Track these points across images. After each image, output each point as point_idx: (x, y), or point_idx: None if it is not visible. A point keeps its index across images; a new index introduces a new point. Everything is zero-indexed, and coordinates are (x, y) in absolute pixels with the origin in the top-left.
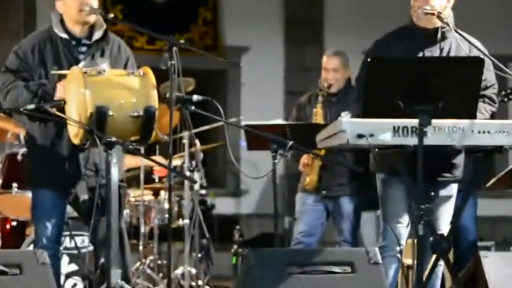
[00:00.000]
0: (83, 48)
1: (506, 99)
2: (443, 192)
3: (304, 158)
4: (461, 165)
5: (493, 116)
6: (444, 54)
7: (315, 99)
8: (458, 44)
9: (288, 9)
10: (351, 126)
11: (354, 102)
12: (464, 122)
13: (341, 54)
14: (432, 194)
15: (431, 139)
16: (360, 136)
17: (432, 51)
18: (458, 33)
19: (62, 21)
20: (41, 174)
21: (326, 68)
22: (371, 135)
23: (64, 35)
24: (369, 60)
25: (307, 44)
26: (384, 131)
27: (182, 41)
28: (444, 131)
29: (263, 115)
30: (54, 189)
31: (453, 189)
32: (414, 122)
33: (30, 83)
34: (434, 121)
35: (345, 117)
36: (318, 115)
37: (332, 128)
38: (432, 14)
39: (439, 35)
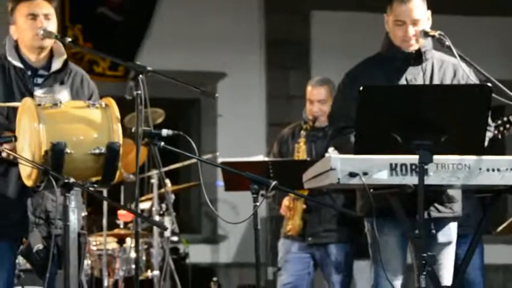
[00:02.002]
0: (40, 80)
1: (503, 130)
2: (441, 238)
3: (286, 200)
4: (459, 200)
5: (492, 143)
6: (427, 76)
7: (299, 132)
8: (441, 64)
9: (269, 28)
10: (342, 164)
11: (332, 137)
12: (470, 159)
13: (328, 82)
14: (434, 232)
15: (433, 178)
16: (352, 175)
17: (415, 74)
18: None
19: (16, 48)
20: None
21: (310, 99)
22: (365, 174)
23: (18, 64)
24: (360, 90)
25: (291, 69)
26: (379, 169)
27: (149, 68)
28: (448, 168)
29: (242, 151)
30: (2, 238)
31: (452, 232)
32: (414, 158)
33: None
34: (436, 157)
35: (334, 153)
36: (301, 151)
37: (320, 166)
38: (433, 36)
39: (423, 57)
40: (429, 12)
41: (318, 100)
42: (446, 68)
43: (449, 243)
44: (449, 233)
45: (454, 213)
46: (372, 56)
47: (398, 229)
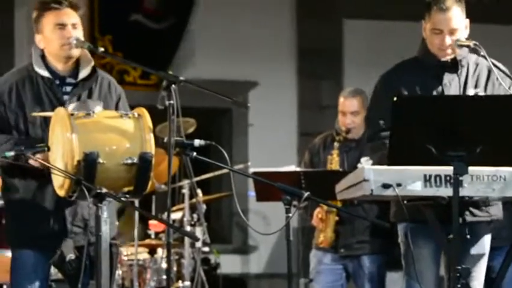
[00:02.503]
0: (68, 88)
1: None
2: (475, 250)
3: (318, 212)
4: (499, 202)
5: None
6: (462, 81)
7: (331, 142)
8: (475, 68)
9: (300, 37)
10: (375, 175)
11: (368, 142)
12: (506, 170)
13: (360, 93)
14: (468, 237)
15: (467, 189)
16: (385, 186)
17: (450, 81)
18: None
19: (43, 58)
20: (21, 231)
21: (343, 111)
22: (399, 185)
23: (46, 74)
24: (394, 100)
25: (323, 78)
26: (413, 180)
27: (182, 78)
28: (483, 180)
29: (274, 161)
30: (36, 249)
31: (486, 244)
32: (448, 170)
33: (7, 138)
34: (471, 169)
35: (366, 164)
36: (333, 162)
37: (353, 177)
38: (468, 46)
39: (458, 64)
40: (467, 21)
41: (350, 112)
42: (481, 70)
43: (482, 255)
44: (483, 244)
45: (491, 217)
46: (408, 60)
47: (431, 240)
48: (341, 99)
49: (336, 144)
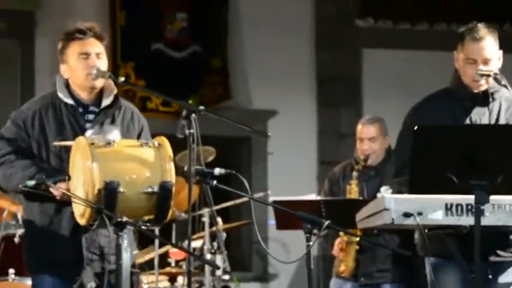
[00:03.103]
0: (91, 116)
1: None
2: (502, 279)
3: (338, 242)
4: None
5: None
6: (493, 116)
7: (350, 172)
8: (509, 104)
9: (320, 66)
10: (396, 204)
11: (394, 176)
12: None
13: (378, 121)
14: (490, 277)
15: (489, 219)
16: (406, 215)
17: (480, 114)
18: None
19: (67, 86)
20: (40, 259)
21: (360, 137)
22: (420, 214)
23: (70, 101)
24: (415, 129)
25: (342, 106)
26: (434, 209)
27: (201, 107)
28: (504, 209)
29: (293, 189)
30: (56, 276)
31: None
32: (470, 198)
33: (29, 164)
34: (492, 198)
35: (386, 193)
36: (353, 192)
37: (374, 206)
38: (488, 76)
39: (489, 97)
40: (500, 52)
41: (368, 138)
42: None
43: (509, 284)
44: (510, 274)
45: None
46: (440, 91)
47: (458, 270)
48: (359, 126)
49: (355, 173)
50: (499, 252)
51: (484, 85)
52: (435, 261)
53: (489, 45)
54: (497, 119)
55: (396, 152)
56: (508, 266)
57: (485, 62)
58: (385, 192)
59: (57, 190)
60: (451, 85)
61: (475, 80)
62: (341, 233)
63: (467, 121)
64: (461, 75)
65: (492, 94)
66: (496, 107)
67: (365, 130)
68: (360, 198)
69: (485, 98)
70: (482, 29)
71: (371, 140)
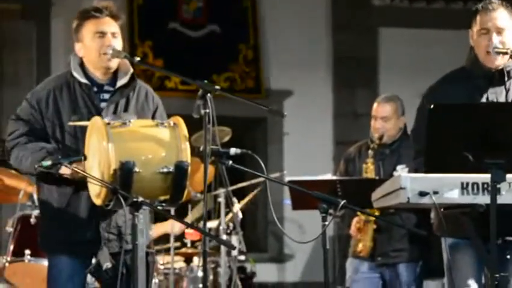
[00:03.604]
0: (106, 95)
1: None
2: None
3: (356, 222)
4: None
5: None
6: (510, 95)
7: (366, 151)
8: None
9: (336, 45)
10: (412, 183)
11: (414, 158)
12: None
13: (394, 99)
14: (508, 257)
15: (505, 197)
16: (422, 194)
17: (497, 93)
18: None
19: (82, 66)
20: (57, 239)
21: (374, 116)
22: (435, 193)
23: (84, 80)
24: (431, 108)
25: (358, 87)
26: (450, 188)
27: (217, 86)
28: None
29: (309, 169)
30: (72, 256)
31: None
32: (486, 177)
33: (39, 146)
34: (509, 176)
35: (402, 172)
36: (369, 171)
37: (390, 185)
38: (505, 53)
39: (505, 76)
40: None
41: (381, 117)
42: None
43: None
44: None
45: None
46: (455, 71)
47: (474, 250)
48: (375, 105)
49: (370, 152)
50: None
51: (497, 59)
52: (451, 241)
53: (502, 15)
54: None
55: (414, 134)
56: None
57: (499, 31)
58: (401, 171)
59: (72, 170)
60: (466, 64)
61: (488, 52)
62: (359, 213)
63: (484, 100)
64: (476, 52)
65: (508, 72)
66: None
67: (379, 109)
68: (377, 177)
69: (501, 77)
70: (495, 2)
71: (384, 119)
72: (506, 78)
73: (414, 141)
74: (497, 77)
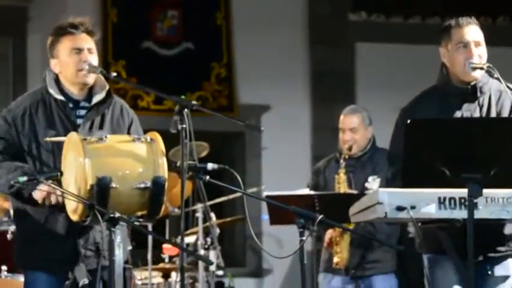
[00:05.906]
0: (82, 112)
1: None
2: (498, 271)
3: (330, 234)
4: None
5: None
6: (484, 110)
7: (335, 163)
8: (499, 95)
9: (313, 60)
10: (389, 198)
11: (391, 180)
12: None
13: (360, 110)
14: (490, 273)
15: (482, 212)
16: (400, 209)
17: (471, 110)
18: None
19: (57, 81)
20: (33, 255)
21: (342, 128)
22: (413, 208)
23: (60, 97)
24: (408, 123)
25: (336, 101)
26: (427, 202)
27: (194, 102)
28: (498, 202)
29: (287, 184)
30: (49, 273)
31: (510, 266)
32: (463, 192)
33: (15, 165)
34: (485, 191)
35: (374, 183)
36: (341, 181)
37: (367, 200)
38: (481, 68)
39: (478, 91)
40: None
41: (349, 128)
42: (504, 99)
43: (506, 277)
44: (508, 267)
45: None
46: (427, 90)
47: (453, 264)
48: (341, 117)
49: (342, 162)
50: (498, 247)
51: (475, 71)
52: (431, 256)
53: (477, 29)
54: (488, 112)
55: (390, 157)
56: (503, 259)
57: (477, 43)
58: (373, 182)
59: (48, 185)
60: (438, 82)
61: (470, 62)
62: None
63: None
64: (450, 68)
65: (481, 88)
66: (486, 100)
67: (347, 121)
68: (350, 188)
69: (473, 93)
70: (467, 18)
71: (352, 130)
72: (478, 94)
73: (390, 165)
74: (470, 94)
